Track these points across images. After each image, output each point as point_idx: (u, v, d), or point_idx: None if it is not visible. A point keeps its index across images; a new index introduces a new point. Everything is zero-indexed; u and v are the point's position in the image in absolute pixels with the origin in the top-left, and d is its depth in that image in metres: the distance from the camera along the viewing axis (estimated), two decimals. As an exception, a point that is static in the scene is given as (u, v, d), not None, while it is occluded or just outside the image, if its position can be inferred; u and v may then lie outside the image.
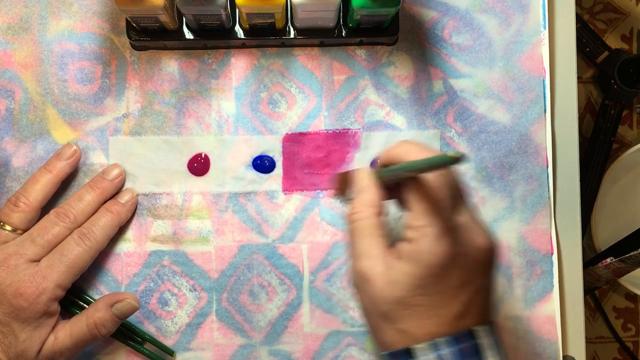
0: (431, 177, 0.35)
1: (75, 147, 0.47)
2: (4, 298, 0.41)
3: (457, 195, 0.36)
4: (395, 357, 0.35)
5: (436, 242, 0.34)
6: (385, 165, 0.39)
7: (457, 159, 0.29)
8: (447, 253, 0.34)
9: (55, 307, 0.43)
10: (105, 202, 0.47)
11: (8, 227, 0.44)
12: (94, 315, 0.44)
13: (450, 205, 0.35)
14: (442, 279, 0.34)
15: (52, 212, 0.45)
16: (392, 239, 0.37)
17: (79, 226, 0.45)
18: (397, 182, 0.38)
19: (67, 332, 0.43)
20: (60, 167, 0.46)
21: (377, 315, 0.36)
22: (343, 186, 0.41)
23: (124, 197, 0.47)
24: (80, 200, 0.46)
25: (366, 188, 0.38)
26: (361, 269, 0.36)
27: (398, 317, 0.35)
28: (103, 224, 0.45)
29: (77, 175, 0.48)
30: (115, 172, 0.47)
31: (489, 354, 0.35)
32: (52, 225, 0.44)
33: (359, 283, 0.37)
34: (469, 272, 0.35)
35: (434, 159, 0.32)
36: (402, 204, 0.40)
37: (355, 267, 0.37)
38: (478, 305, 0.36)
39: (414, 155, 0.36)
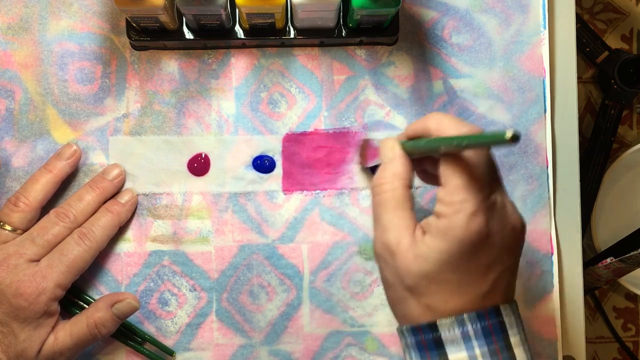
0: (471, 152, 0.34)
1: (75, 147, 0.47)
2: (3, 298, 0.41)
3: (494, 173, 0.35)
4: (418, 331, 0.35)
5: (471, 220, 0.33)
6: (410, 138, 0.38)
7: (516, 139, 0.27)
8: (481, 232, 0.33)
9: (55, 307, 0.43)
10: (105, 202, 0.47)
11: (8, 227, 0.44)
12: (94, 315, 0.44)
13: (488, 183, 0.34)
14: (472, 257, 0.34)
15: (52, 212, 0.45)
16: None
17: (79, 226, 0.45)
18: (424, 155, 0.37)
19: (67, 332, 0.43)
20: (60, 167, 0.46)
21: (402, 288, 0.35)
22: (365, 155, 0.40)
23: (124, 197, 0.47)
24: (80, 200, 0.46)
25: (395, 158, 0.37)
26: (388, 241, 0.35)
27: (424, 291, 0.35)
28: (103, 223, 0.45)
29: (77, 175, 0.48)
30: (115, 172, 0.47)
31: (512, 332, 0.35)
32: (52, 225, 0.44)
33: (385, 255, 0.36)
34: (500, 252, 0.34)
35: (486, 137, 0.30)
36: (428, 177, 0.39)
37: (382, 239, 0.36)
38: (504, 285, 0.36)
39: (449, 128, 0.35)
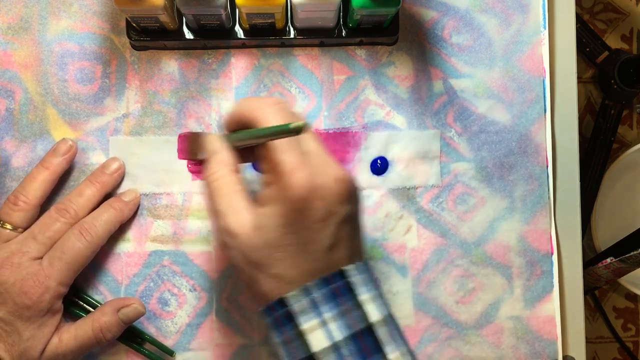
0: (272, 121, 0.36)
1: (70, 143, 0.47)
2: (7, 297, 0.42)
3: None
4: (271, 310, 0.35)
5: (292, 177, 0.34)
6: (230, 129, 0.39)
7: (300, 130, 0.31)
8: (305, 184, 0.34)
9: (59, 305, 0.43)
10: (105, 196, 0.47)
11: (9, 226, 0.44)
12: (100, 320, 0.44)
13: (296, 144, 0.36)
14: (305, 213, 0.35)
15: (52, 208, 0.45)
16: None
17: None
18: (244, 145, 0.39)
19: (72, 334, 0.43)
20: (57, 163, 0.46)
21: (249, 267, 0.36)
22: (193, 148, 0.42)
23: (128, 196, 0.47)
24: (80, 195, 0.46)
25: (219, 149, 0.39)
26: (227, 224, 0.36)
27: (270, 261, 0.35)
28: (105, 219, 0.45)
29: (80, 177, 0.48)
30: (114, 165, 0.47)
31: (361, 290, 0.35)
32: (53, 222, 0.44)
33: (227, 240, 0.37)
34: (331, 203, 0.35)
35: (276, 129, 0.34)
36: (257, 162, 0.40)
37: (222, 225, 0.37)
38: (346, 237, 0.36)
39: (246, 106, 0.37)
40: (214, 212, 0.38)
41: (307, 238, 0.35)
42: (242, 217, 0.36)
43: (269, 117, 0.36)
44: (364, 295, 0.35)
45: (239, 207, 0.36)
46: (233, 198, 0.37)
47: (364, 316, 0.35)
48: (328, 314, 0.34)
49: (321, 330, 0.34)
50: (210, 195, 0.38)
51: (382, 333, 0.35)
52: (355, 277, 0.36)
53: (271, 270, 0.35)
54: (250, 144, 0.39)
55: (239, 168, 0.39)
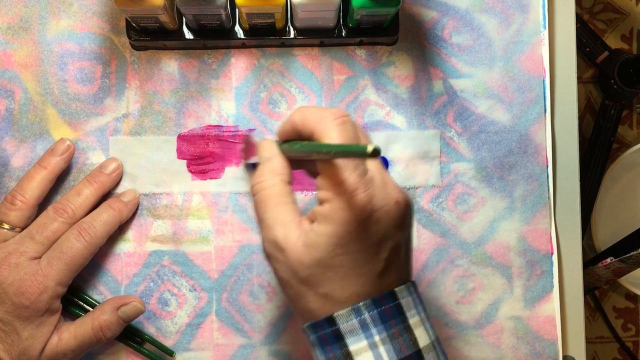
0: (335, 136, 0.34)
1: (68, 142, 0.47)
2: (5, 297, 0.42)
3: None
4: (318, 328, 0.34)
5: (352, 198, 0.33)
6: (285, 137, 0.38)
7: (376, 154, 0.28)
8: (364, 207, 0.33)
9: (57, 304, 0.43)
10: (103, 196, 0.47)
11: (6, 226, 0.44)
12: (100, 318, 0.44)
13: (362, 162, 0.34)
14: (360, 236, 0.34)
15: (50, 207, 0.45)
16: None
17: (77, 221, 0.45)
18: (300, 157, 0.37)
19: (72, 333, 0.43)
20: (55, 163, 0.46)
21: (297, 282, 0.35)
22: (248, 152, 0.40)
23: (127, 197, 0.47)
24: (78, 194, 0.46)
25: (272, 157, 0.37)
26: (275, 237, 0.35)
27: (319, 280, 0.34)
28: (104, 219, 0.45)
29: (79, 177, 0.48)
30: (112, 165, 0.47)
31: (410, 313, 0.35)
32: (50, 222, 0.44)
33: (274, 253, 0.35)
34: (387, 228, 0.34)
35: (348, 149, 0.31)
36: (311, 172, 0.39)
37: (269, 237, 0.35)
38: (398, 262, 0.35)
39: (311, 117, 0.35)
40: (261, 221, 0.36)
41: (359, 261, 0.34)
42: (291, 231, 0.35)
43: (331, 133, 0.34)
44: (413, 319, 0.34)
45: (288, 220, 0.35)
46: (282, 210, 0.36)
47: (413, 341, 0.34)
48: (378, 336, 0.33)
49: (370, 353, 0.33)
50: (259, 204, 0.36)
51: (429, 359, 0.34)
52: (406, 299, 0.35)
53: (320, 289, 0.34)
54: (309, 157, 0.37)
55: (291, 179, 0.38)
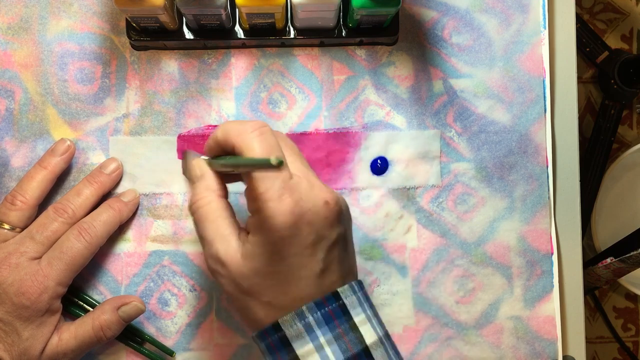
0: (255, 148, 0.35)
1: (69, 142, 0.47)
2: (6, 297, 0.42)
3: (291, 158, 0.36)
4: (265, 336, 0.35)
5: (278, 204, 0.34)
6: (214, 152, 0.38)
7: (280, 165, 0.29)
8: (292, 211, 0.34)
9: (58, 304, 0.43)
10: (103, 196, 0.47)
11: (6, 226, 0.44)
12: (100, 318, 0.44)
13: (282, 169, 0.35)
14: (293, 240, 0.34)
15: (50, 207, 0.45)
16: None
17: (77, 221, 0.45)
18: (229, 171, 0.38)
19: (72, 333, 0.43)
20: (55, 163, 0.46)
21: (241, 294, 0.35)
22: (184, 167, 0.41)
23: (127, 197, 0.47)
24: (78, 195, 0.46)
25: (203, 174, 0.38)
26: (216, 252, 0.36)
27: (261, 289, 0.35)
28: (104, 219, 0.45)
29: (79, 177, 0.48)
30: (112, 165, 0.47)
31: (355, 311, 0.35)
32: (50, 222, 0.44)
33: (217, 268, 0.36)
34: (319, 228, 0.35)
35: (256, 162, 0.33)
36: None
37: (210, 253, 0.36)
38: (337, 260, 0.36)
39: (232, 132, 0.36)
40: (202, 238, 0.37)
41: (297, 265, 0.34)
42: (230, 245, 0.35)
43: (251, 145, 0.35)
44: (358, 317, 0.35)
45: (226, 234, 0.36)
46: (220, 225, 0.36)
47: (359, 339, 0.34)
48: (323, 338, 0.34)
49: (317, 355, 0.34)
50: (198, 222, 0.37)
51: (377, 355, 0.34)
52: (349, 298, 0.35)
53: (263, 298, 0.35)
54: (233, 171, 0.38)
55: (226, 193, 0.38)
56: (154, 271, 0.48)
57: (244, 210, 0.47)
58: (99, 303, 0.47)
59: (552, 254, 0.50)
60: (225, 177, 0.39)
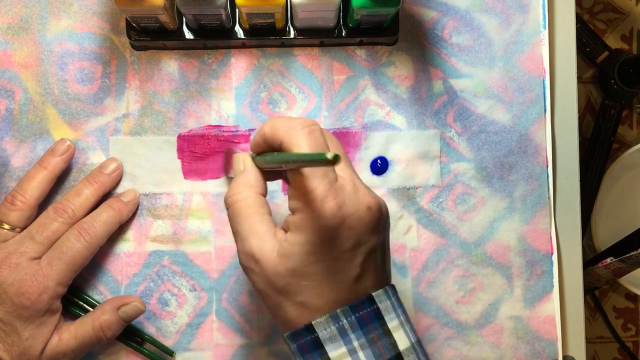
0: (303, 145, 0.34)
1: (69, 142, 0.47)
2: (6, 297, 0.42)
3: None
4: (297, 337, 0.34)
5: (322, 206, 0.33)
6: (259, 148, 0.38)
7: (336, 161, 0.29)
8: (334, 214, 0.33)
9: (58, 304, 0.43)
10: (103, 196, 0.47)
11: (6, 226, 0.44)
12: (100, 318, 0.44)
13: (329, 169, 0.34)
14: (333, 243, 0.34)
15: (50, 208, 0.45)
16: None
17: (77, 221, 0.45)
18: (274, 168, 0.38)
19: (72, 333, 0.43)
20: (55, 163, 0.46)
21: (274, 293, 0.35)
22: (228, 166, 0.41)
23: (127, 197, 0.47)
24: (78, 195, 0.46)
25: (245, 170, 0.38)
26: (250, 249, 0.35)
27: (296, 289, 0.34)
28: (104, 219, 0.45)
29: (79, 177, 0.48)
30: (112, 166, 0.47)
31: (389, 317, 0.35)
32: (50, 222, 0.44)
33: (250, 265, 0.36)
34: (360, 233, 0.34)
35: (309, 157, 0.32)
36: (288, 182, 0.39)
37: (244, 249, 0.36)
38: (374, 267, 0.35)
39: (281, 128, 0.35)
40: (236, 233, 0.37)
41: (334, 268, 0.34)
42: (265, 242, 0.35)
43: (299, 142, 0.34)
44: (392, 322, 0.34)
45: (262, 231, 0.35)
46: (256, 221, 0.36)
47: (393, 344, 0.34)
48: (357, 342, 0.34)
49: (350, 359, 0.33)
50: (233, 216, 0.37)
51: None
52: (384, 302, 0.35)
53: (297, 298, 0.34)
54: (279, 167, 0.37)
55: (265, 190, 0.38)
56: (154, 271, 0.48)
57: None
58: (99, 303, 0.47)
59: (552, 254, 0.50)
60: (266, 177, 0.39)
